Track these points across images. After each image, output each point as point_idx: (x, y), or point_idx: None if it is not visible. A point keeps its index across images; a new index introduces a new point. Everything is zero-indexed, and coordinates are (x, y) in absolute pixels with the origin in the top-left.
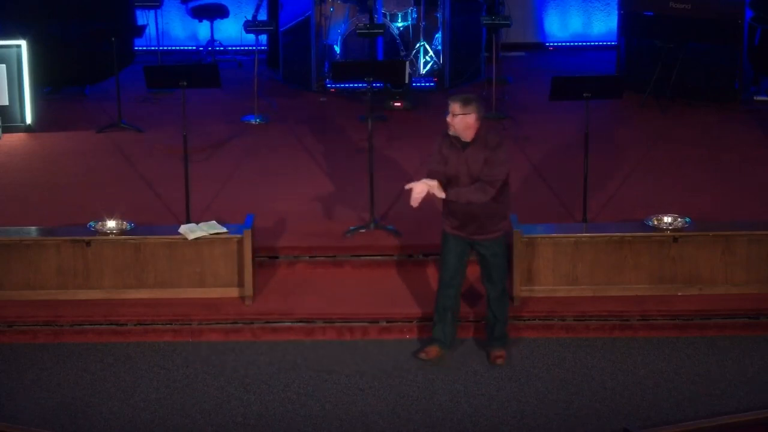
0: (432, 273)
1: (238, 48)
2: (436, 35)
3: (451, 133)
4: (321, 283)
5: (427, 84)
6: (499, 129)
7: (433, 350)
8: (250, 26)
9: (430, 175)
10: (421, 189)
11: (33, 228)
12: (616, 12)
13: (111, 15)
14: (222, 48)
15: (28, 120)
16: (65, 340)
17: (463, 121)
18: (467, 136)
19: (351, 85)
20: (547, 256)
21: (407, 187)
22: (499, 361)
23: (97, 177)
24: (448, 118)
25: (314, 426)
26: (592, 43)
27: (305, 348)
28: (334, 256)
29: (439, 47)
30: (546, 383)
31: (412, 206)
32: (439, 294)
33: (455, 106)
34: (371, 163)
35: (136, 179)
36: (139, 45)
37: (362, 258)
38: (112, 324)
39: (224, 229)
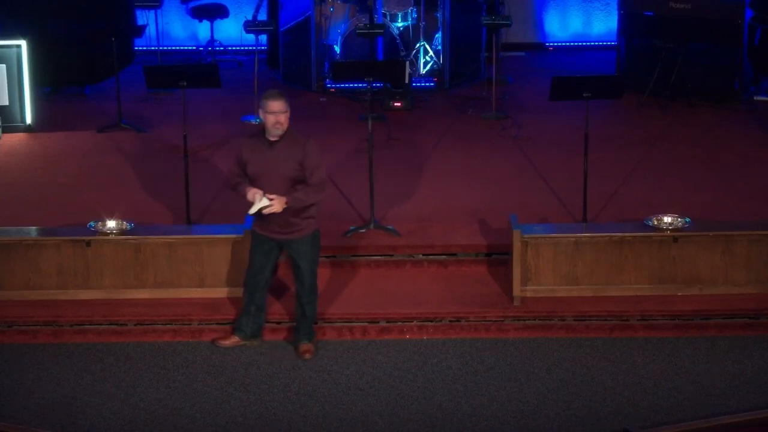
0: (432, 273)
1: (238, 48)
2: (436, 35)
3: (274, 132)
4: (321, 283)
5: (427, 84)
6: (499, 129)
7: (234, 338)
8: (250, 26)
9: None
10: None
11: (33, 228)
12: (616, 12)
13: (111, 15)
14: (222, 48)
15: (28, 120)
16: (65, 340)
17: (286, 117)
18: (279, 133)
19: (351, 85)
20: (547, 256)
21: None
22: (307, 355)
23: (97, 177)
24: (279, 118)
25: (314, 426)
26: (592, 43)
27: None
28: (334, 256)
29: (439, 47)
30: (546, 383)
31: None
32: (245, 290)
33: (281, 103)
34: (371, 163)
35: (136, 179)
36: (139, 45)
37: (362, 258)
38: (112, 324)
39: (267, 202)
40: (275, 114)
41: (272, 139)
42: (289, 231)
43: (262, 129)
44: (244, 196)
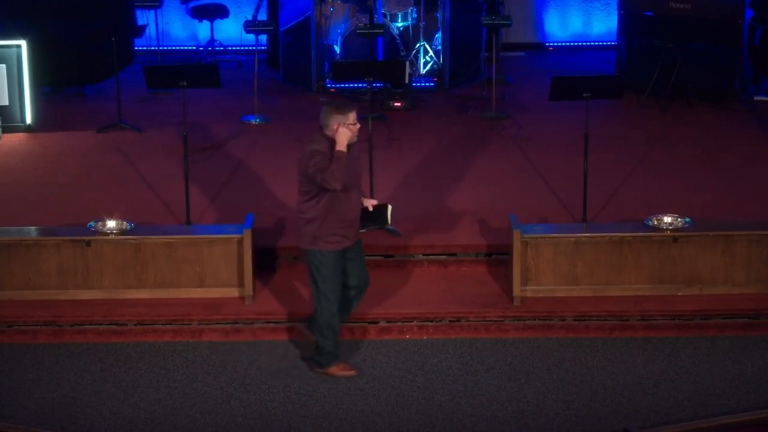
0: (432, 273)
1: (238, 48)
2: (436, 35)
3: (353, 141)
4: None
5: (427, 84)
6: (499, 129)
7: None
8: (250, 26)
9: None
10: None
11: (33, 228)
12: (616, 12)
13: (111, 15)
14: (222, 48)
15: (28, 120)
16: (65, 340)
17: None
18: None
19: (351, 85)
20: (547, 256)
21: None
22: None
23: (97, 177)
24: (355, 127)
25: (314, 426)
26: (592, 43)
27: (305, 348)
28: None
29: (439, 47)
30: (546, 383)
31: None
32: (331, 316)
33: (355, 114)
34: (371, 163)
35: (136, 179)
36: (139, 45)
37: None
38: (112, 324)
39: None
40: (356, 123)
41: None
42: (357, 232)
43: (322, 140)
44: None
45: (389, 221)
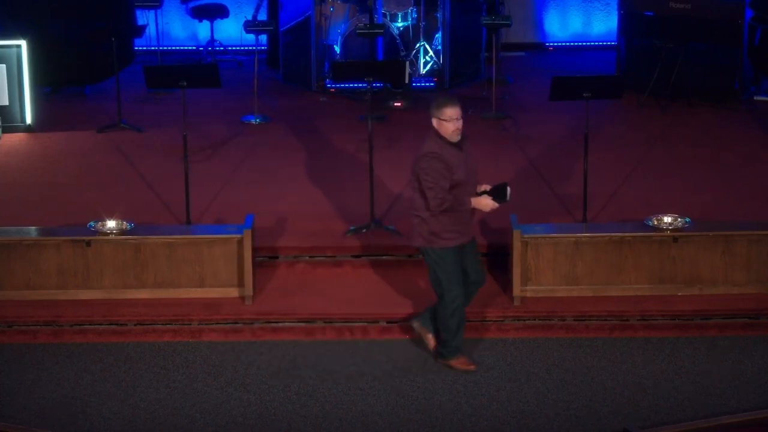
0: None
1: (238, 48)
2: (436, 35)
3: (454, 139)
4: (321, 283)
5: (427, 84)
6: (499, 129)
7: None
8: (250, 26)
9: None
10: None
11: (33, 228)
12: (616, 12)
13: (111, 15)
14: (222, 48)
15: (28, 120)
16: (65, 340)
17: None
18: (459, 138)
19: (351, 85)
20: (547, 256)
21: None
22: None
23: (97, 177)
24: (459, 124)
25: (314, 426)
26: (592, 43)
27: (305, 348)
28: (334, 256)
29: (439, 47)
30: (546, 383)
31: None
32: (455, 308)
33: (459, 110)
34: (371, 163)
35: (136, 179)
36: (139, 45)
37: (362, 258)
38: (112, 324)
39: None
40: (458, 119)
41: (455, 141)
42: (472, 229)
43: (435, 137)
44: (471, 207)
45: (508, 197)
